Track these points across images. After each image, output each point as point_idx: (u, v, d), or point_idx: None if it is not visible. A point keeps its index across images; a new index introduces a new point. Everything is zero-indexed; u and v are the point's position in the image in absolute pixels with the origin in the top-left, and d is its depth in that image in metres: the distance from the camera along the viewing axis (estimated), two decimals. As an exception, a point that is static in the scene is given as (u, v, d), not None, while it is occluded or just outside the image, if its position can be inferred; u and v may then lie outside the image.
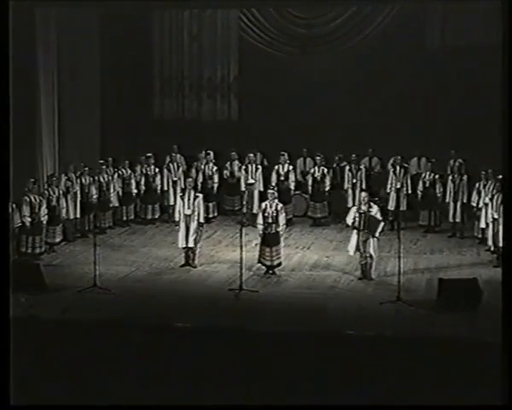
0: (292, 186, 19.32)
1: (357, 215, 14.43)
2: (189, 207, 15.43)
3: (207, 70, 21.88)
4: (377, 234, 14.44)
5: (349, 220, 14.66)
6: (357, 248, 14.59)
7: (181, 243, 15.54)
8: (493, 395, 8.87)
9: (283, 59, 20.99)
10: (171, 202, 19.36)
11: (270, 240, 14.95)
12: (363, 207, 14.48)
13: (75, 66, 20.23)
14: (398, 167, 18.70)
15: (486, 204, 15.94)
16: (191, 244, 15.46)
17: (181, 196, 15.74)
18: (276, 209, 14.90)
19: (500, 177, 15.45)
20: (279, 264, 15.12)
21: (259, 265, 15.15)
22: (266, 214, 14.91)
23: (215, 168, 19.71)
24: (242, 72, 21.63)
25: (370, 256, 14.59)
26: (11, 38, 9.08)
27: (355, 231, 14.51)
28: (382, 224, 14.47)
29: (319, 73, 20.84)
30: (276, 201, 15.08)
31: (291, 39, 20.96)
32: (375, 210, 14.48)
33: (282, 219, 14.98)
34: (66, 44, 19.82)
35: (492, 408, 9.02)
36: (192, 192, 15.62)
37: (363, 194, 14.85)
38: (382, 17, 20.08)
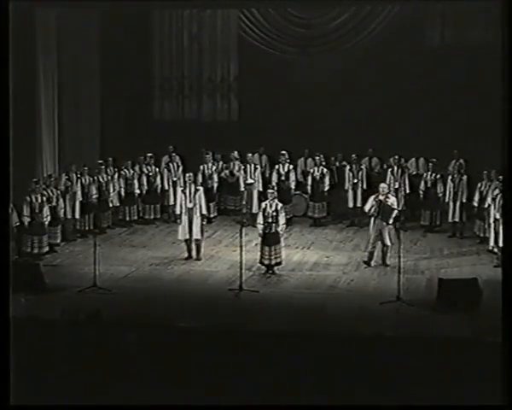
0: (292, 186, 19.31)
1: (374, 203, 15.13)
2: (190, 201, 15.60)
3: (207, 70, 21.87)
4: (391, 221, 15.13)
5: (367, 208, 15.47)
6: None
7: (181, 236, 15.68)
8: (493, 395, 8.87)
9: (283, 59, 20.97)
10: (171, 202, 19.37)
11: (269, 239, 14.98)
12: (381, 197, 15.14)
13: (75, 66, 20.22)
14: (395, 167, 18.69)
15: (489, 205, 15.94)
16: (197, 236, 15.62)
17: (182, 190, 15.88)
18: (275, 209, 14.96)
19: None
20: (279, 263, 15.14)
21: (259, 265, 15.16)
22: (266, 214, 14.97)
23: (214, 168, 19.72)
24: (242, 72, 21.61)
25: (385, 245, 15.31)
26: (11, 38, 9.07)
27: (372, 219, 15.27)
28: (396, 211, 15.30)
29: (319, 73, 20.83)
30: (276, 200, 15.14)
31: (291, 39, 20.93)
32: (391, 200, 15.26)
33: (281, 218, 15.03)
34: (66, 44, 19.82)
35: (492, 408, 9.02)
36: (193, 186, 15.81)
37: (383, 185, 15.67)
38: (382, 17, 20.07)
